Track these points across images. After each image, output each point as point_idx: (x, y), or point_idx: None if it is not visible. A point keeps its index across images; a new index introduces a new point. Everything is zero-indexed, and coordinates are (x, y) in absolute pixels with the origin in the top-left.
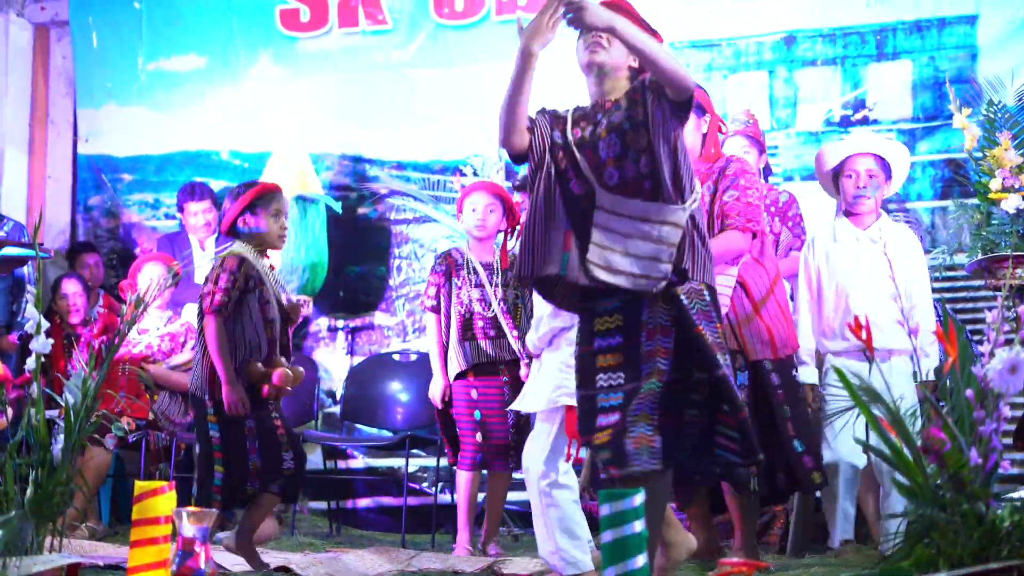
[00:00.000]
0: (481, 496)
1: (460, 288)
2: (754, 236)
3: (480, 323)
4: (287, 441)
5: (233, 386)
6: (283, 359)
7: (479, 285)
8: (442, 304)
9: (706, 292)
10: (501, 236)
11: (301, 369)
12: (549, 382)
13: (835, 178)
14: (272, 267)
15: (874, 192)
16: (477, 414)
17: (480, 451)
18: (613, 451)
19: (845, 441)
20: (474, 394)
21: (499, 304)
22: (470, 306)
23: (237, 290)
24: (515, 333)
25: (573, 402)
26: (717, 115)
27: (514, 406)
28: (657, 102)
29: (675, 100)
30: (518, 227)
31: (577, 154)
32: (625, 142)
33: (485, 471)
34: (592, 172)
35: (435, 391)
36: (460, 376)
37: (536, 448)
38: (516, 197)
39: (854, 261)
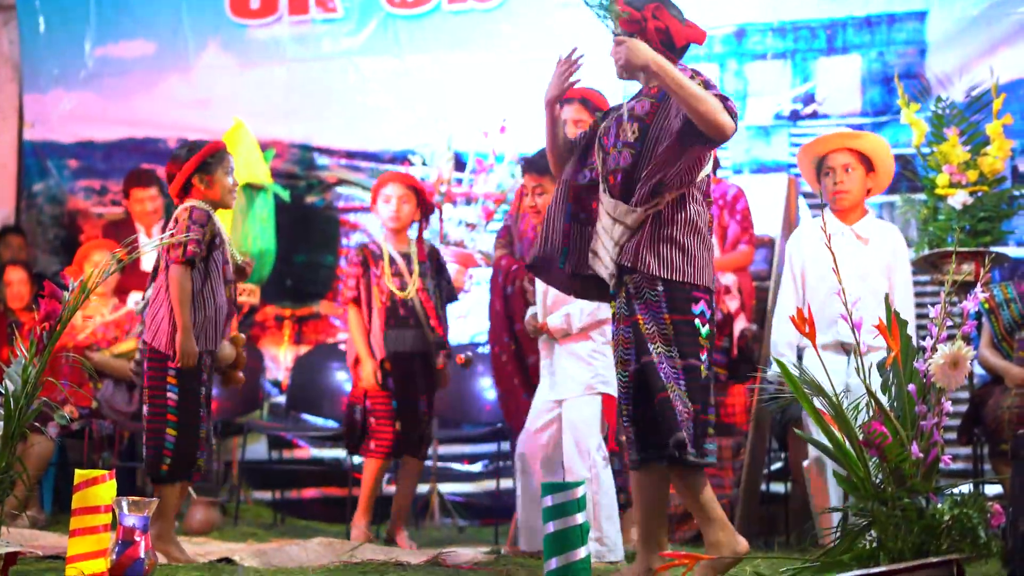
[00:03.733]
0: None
1: (380, 278)
2: None
3: (401, 312)
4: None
5: (189, 338)
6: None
7: (398, 275)
8: (362, 295)
9: (659, 284)
10: (416, 227)
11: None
12: (582, 370)
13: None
14: None
15: (854, 187)
16: (395, 403)
17: (397, 440)
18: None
19: None
20: (391, 383)
21: (418, 294)
22: (392, 295)
23: (206, 244)
24: (432, 323)
25: (612, 391)
26: None
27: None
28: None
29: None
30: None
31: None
32: (620, 129)
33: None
34: (600, 163)
35: (369, 373)
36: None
37: (579, 434)
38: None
39: (837, 256)
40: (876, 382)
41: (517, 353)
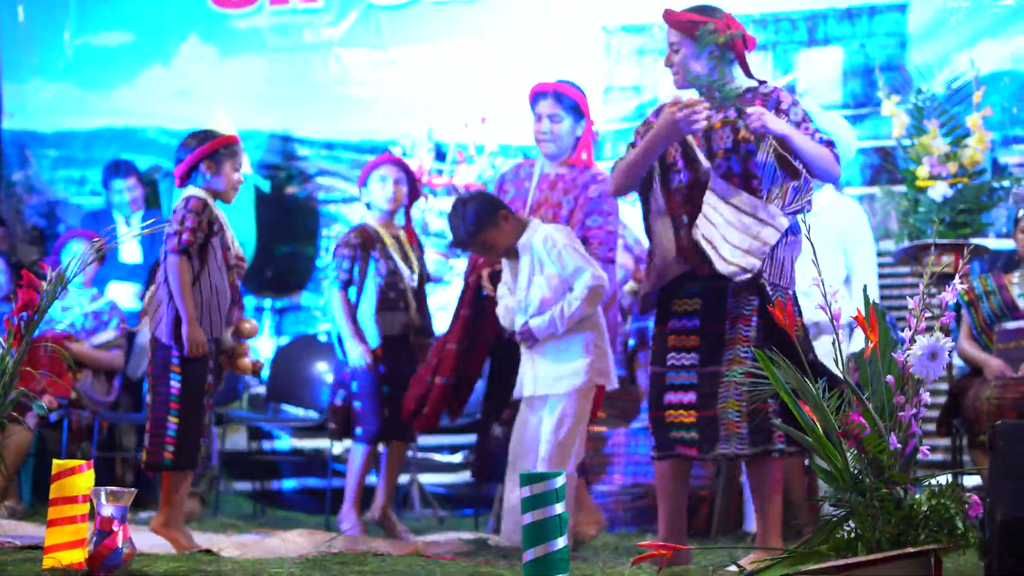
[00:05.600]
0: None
1: (379, 261)
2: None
3: (392, 295)
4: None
5: (194, 326)
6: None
7: (392, 258)
8: (354, 278)
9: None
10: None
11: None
12: (578, 362)
13: None
14: None
15: None
16: (385, 388)
17: (385, 426)
18: (700, 434)
19: None
20: (382, 368)
21: (412, 277)
22: (389, 278)
23: (202, 231)
24: (420, 307)
25: (606, 382)
26: (591, 120)
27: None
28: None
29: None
30: (421, 198)
31: (691, 140)
32: (736, 138)
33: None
34: (707, 158)
35: (361, 356)
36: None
37: (564, 428)
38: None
39: None
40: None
41: (442, 340)
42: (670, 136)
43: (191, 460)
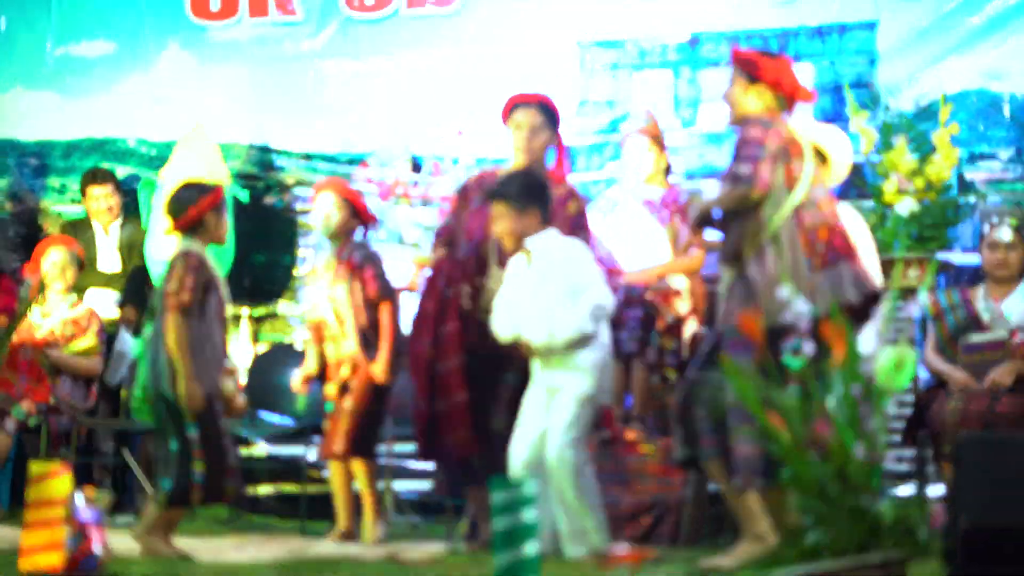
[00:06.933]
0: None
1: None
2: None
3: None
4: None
5: (194, 383)
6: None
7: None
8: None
9: None
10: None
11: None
12: (586, 380)
13: None
14: None
15: None
16: (328, 406)
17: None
18: None
19: None
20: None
21: (330, 312)
22: (319, 312)
23: (201, 289)
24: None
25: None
26: (561, 136)
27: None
28: None
29: None
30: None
31: None
32: None
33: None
34: None
35: (295, 379)
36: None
37: (569, 437)
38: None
39: None
40: None
41: (430, 359)
42: None
43: (216, 495)
